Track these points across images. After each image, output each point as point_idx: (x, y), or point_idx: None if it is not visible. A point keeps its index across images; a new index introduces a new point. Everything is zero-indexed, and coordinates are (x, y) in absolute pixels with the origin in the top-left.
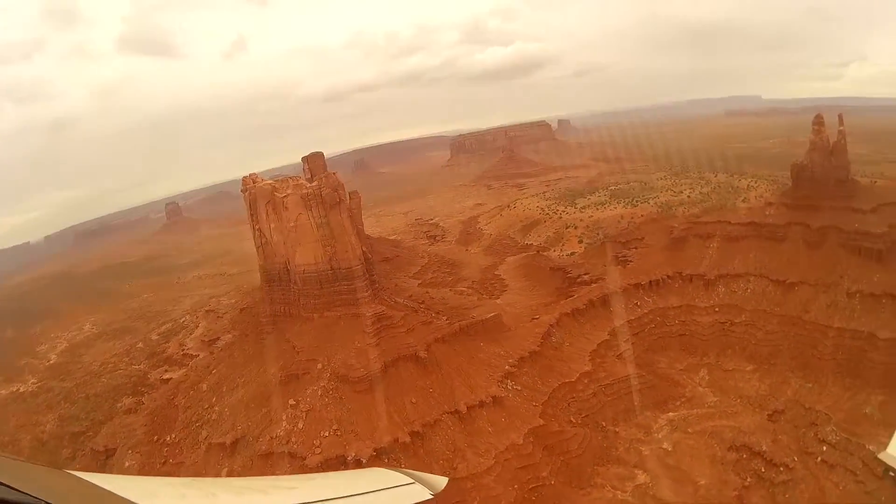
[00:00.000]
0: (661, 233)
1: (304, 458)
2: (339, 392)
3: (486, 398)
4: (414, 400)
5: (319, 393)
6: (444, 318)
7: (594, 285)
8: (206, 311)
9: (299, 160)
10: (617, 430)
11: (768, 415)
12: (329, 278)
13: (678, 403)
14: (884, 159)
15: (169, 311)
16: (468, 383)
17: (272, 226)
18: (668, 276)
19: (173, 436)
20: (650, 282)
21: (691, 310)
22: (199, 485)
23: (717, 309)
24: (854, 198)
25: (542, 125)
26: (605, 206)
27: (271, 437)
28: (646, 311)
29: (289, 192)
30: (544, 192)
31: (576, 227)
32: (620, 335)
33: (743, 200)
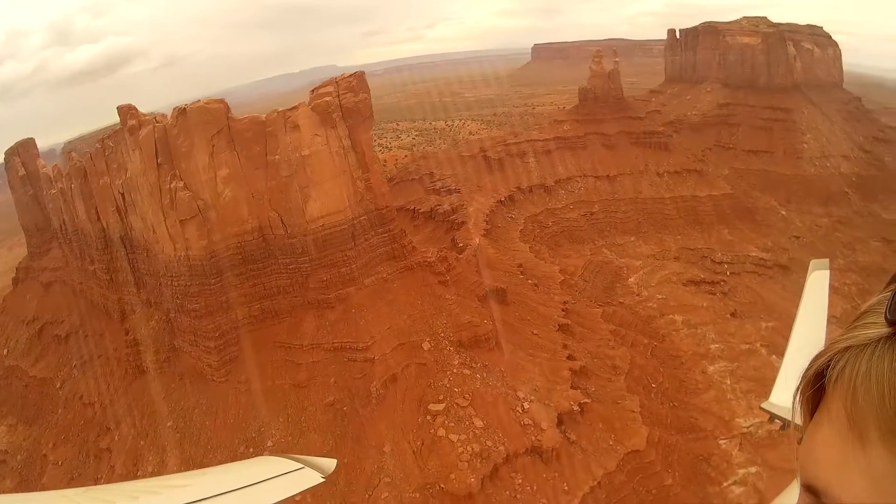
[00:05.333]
0: (452, 162)
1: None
2: (479, 361)
3: (565, 306)
4: (535, 331)
5: (467, 372)
6: None
7: (471, 209)
8: None
9: None
10: (622, 300)
11: (673, 259)
12: (364, 227)
13: (626, 272)
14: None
15: None
16: (543, 302)
17: (222, 173)
18: (513, 192)
19: None
20: (505, 198)
21: (553, 212)
22: (94, 493)
23: (571, 206)
24: (630, 110)
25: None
26: None
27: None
28: (521, 221)
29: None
30: None
31: None
32: (527, 242)
33: (470, 133)
